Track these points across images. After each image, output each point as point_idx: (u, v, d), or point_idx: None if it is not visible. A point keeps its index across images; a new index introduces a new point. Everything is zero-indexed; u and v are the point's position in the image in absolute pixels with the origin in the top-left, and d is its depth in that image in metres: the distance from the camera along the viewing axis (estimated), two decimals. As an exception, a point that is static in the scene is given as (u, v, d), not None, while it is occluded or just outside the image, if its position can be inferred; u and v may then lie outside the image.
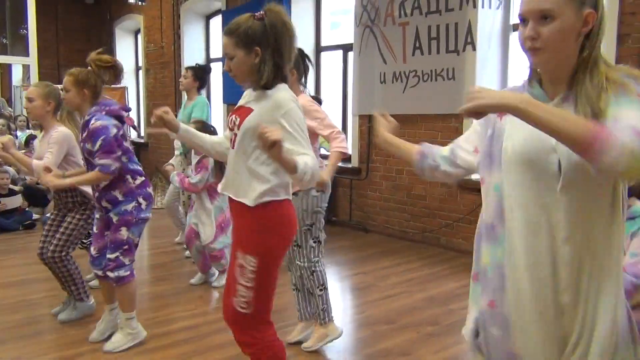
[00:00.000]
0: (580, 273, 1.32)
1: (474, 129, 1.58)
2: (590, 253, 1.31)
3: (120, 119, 3.05)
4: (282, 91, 2.04)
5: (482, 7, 4.88)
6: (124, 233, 3.01)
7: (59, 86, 3.34)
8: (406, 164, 6.20)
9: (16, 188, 6.66)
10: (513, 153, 1.36)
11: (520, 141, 1.35)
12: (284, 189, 2.10)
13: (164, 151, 9.44)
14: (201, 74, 5.13)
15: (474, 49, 4.94)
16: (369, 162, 6.19)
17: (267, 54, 2.01)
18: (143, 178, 3.13)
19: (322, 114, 3.03)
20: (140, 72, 10.90)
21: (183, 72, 5.21)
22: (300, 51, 2.97)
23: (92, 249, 3.19)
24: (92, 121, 2.92)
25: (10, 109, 9.27)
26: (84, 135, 2.98)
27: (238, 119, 2.07)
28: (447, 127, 5.36)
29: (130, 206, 3.01)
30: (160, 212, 6.11)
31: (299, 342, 3.17)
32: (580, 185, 1.29)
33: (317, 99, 5.12)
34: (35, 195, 6.88)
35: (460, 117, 5.20)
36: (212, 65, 9.22)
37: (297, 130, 1.99)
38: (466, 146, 1.61)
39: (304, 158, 1.92)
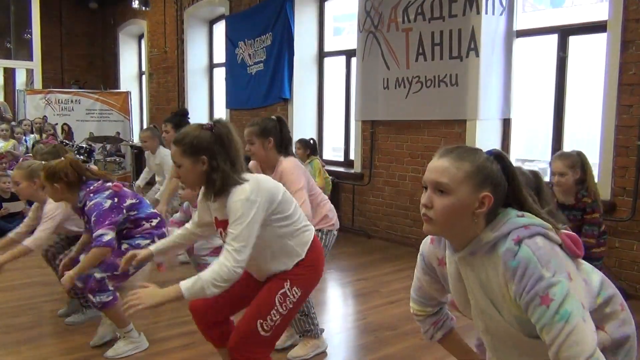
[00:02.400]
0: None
1: (419, 280, 1.79)
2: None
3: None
4: (235, 195, 2.06)
5: (486, 13, 4.89)
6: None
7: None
8: (409, 169, 6.15)
9: (19, 192, 6.66)
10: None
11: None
12: (308, 231, 2.29)
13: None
14: (178, 120, 4.94)
15: (477, 55, 4.94)
16: (372, 168, 6.18)
17: (216, 162, 2.08)
18: (159, 219, 3.19)
19: (296, 184, 2.90)
20: (144, 76, 10.93)
21: (163, 126, 5.00)
22: (280, 120, 3.03)
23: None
24: (87, 205, 2.95)
25: (10, 115, 9.28)
26: (86, 217, 3.01)
27: (225, 233, 2.14)
28: (450, 133, 5.35)
29: (144, 242, 3.05)
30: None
31: (285, 349, 3.15)
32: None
33: (309, 144, 4.99)
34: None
35: (463, 124, 5.20)
36: (215, 70, 9.27)
37: (242, 226, 2.02)
38: (426, 293, 1.82)
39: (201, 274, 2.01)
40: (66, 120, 9.46)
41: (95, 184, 3.03)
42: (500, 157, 1.41)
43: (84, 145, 8.57)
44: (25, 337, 3.38)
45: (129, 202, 3.08)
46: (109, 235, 2.87)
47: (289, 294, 2.18)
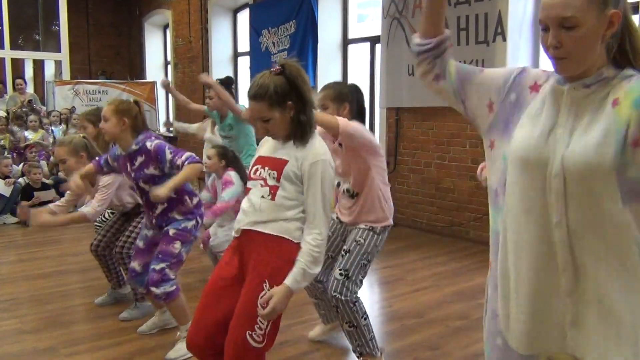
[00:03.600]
0: (576, 259, 1.27)
1: (495, 77, 1.48)
2: (588, 242, 1.26)
3: None
4: (316, 142, 2.04)
5: (513, -4, 4.80)
6: (177, 247, 2.95)
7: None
8: (434, 156, 6.10)
9: (48, 182, 6.81)
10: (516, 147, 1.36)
11: (525, 140, 1.34)
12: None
13: (192, 145, 9.53)
14: (224, 88, 4.69)
15: (504, 39, 4.85)
16: (397, 155, 6.15)
17: (301, 104, 2.00)
18: (198, 198, 3.12)
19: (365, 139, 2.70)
20: (169, 66, 11.02)
21: (207, 92, 4.74)
22: (356, 87, 2.89)
23: (135, 264, 3.14)
24: (148, 143, 2.89)
25: (43, 107, 9.46)
26: (141, 161, 2.91)
27: (275, 173, 2.02)
28: (476, 119, 5.28)
29: (190, 224, 3.00)
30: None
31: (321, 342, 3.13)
32: (579, 184, 1.25)
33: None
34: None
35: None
36: (239, 59, 9.29)
37: (320, 186, 1.98)
38: (478, 79, 1.51)
39: (300, 257, 1.96)
40: (94, 110, 9.62)
41: (157, 135, 3.03)
42: None
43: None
44: (58, 322, 3.46)
45: None
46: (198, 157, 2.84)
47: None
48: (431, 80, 1.58)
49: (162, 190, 2.66)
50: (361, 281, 2.72)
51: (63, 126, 8.54)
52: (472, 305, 3.71)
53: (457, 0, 5.21)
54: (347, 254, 2.69)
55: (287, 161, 2.01)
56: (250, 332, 1.96)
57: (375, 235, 2.76)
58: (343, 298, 2.62)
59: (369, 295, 4.06)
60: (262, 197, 2.03)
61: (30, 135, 7.94)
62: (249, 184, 2.12)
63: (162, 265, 2.91)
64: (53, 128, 8.42)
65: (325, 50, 7.07)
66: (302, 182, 2.01)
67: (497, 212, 1.43)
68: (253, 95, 1.99)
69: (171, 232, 2.97)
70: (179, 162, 2.80)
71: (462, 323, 3.44)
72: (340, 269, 2.65)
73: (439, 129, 5.67)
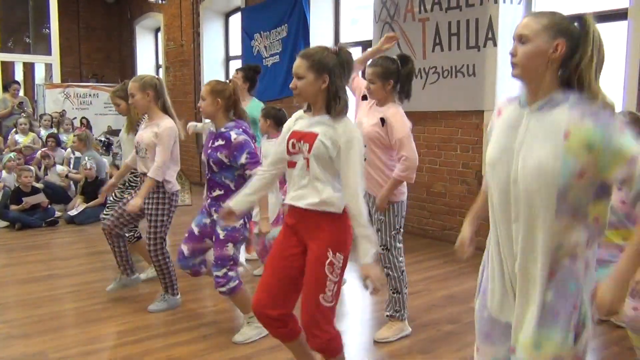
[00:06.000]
0: (527, 252, 1.60)
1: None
2: (534, 238, 1.58)
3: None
4: (348, 121, 2.26)
5: (503, 2, 4.83)
6: (230, 249, 3.09)
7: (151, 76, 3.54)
8: (425, 161, 6.13)
9: (38, 185, 6.76)
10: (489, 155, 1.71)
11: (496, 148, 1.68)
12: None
13: (191, 150, 9.51)
14: (251, 74, 4.84)
15: (495, 44, 4.89)
16: (388, 159, 6.15)
17: (336, 84, 2.22)
18: None
19: (401, 132, 3.08)
20: (161, 70, 11.00)
21: (235, 73, 4.85)
22: (407, 57, 3.21)
23: (185, 247, 3.25)
24: (233, 134, 3.04)
25: (30, 108, 9.40)
26: (218, 144, 3.06)
27: (307, 145, 2.24)
28: (467, 123, 5.31)
29: (239, 223, 3.06)
30: (181, 209, 6.14)
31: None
32: (529, 185, 1.57)
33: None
34: (57, 192, 6.98)
35: (481, 114, 5.15)
36: (231, 63, 9.29)
37: (354, 162, 2.21)
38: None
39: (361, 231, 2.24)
40: (85, 114, 9.56)
41: (247, 129, 3.14)
42: (581, 18, 1.60)
43: (103, 139, 8.65)
44: (47, 327, 3.43)
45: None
46: None
47: (334, 261, 2.30)
48: None
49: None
50: (399, 247, 3.20)
51: (54, 129, 8.49)
52: (463, 309, 3.71)
53: (448, 5, 5.24)
54: (379, 232, 3.12)
55: (316, 134, 2.23)
56: (322, 295, 2.28)
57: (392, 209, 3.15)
58: (390, 265, 3.17)
59: (362, 299, 4.06)
60: (291, 169, 2.32)
61: (20, 139, 7.89)
62: (288, 158, 2.34)
63: (224, 270, 3.09)
64: (42, 131, 8.34)
65: (317, 54, 7.07)
66: (336, 155, 2.22)
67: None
68: (302, 53, 2.26)
69: (221, 235, 3.09)
70: (248, 172, 3.00)
71: (454, 327, 3.44)
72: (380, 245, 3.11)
73: (430, 133, 5.69)
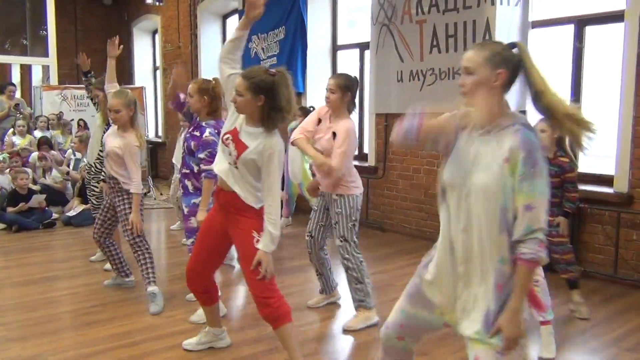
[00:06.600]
0: (470, 260, 1.79)
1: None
2: (479, 246, 1.77)
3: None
4: (274, 136, 2.58)
5: (501, 4, 4.83)
6: (193, 222, 3.48)
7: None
8: (423, 162, 6.11)
9: (35, 188, 6.75)
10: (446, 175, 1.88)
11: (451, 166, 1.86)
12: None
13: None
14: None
15: (492, 46, 4.88)
16: (386, 161, 6.17)
17: (272, 104, 2.50)
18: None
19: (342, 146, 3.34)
20: (158, 72, 10.99)
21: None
22: (357, 80, 3.45)
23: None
24: (207, 132, 3.40)
25: (30, 109, 9.38)
26: (194, 134, 3.49)
27: (236, 152, 2.58)
28: (464, 125, 5.31)
29: (198, 200, 3.44)
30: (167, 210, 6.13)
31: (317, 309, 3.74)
32: (474, 204, 1.76)
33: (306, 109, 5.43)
34: (54, 194, 6.96)
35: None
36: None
37: (274, 170, 2.55)
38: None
39: (269, 227, 2.57)
40: (82, 115, 9.52)
41: (218, 127, 3.37)
42: (518, 46, 1.81)
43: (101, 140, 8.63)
44: (44, 330, 3.43)
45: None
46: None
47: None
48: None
49: (198, 217, 3.33)
50: (355, 241, 3.41)
51: (52, 132, 8.46)
52: (461, 310, 3.71)
53: (445, 7, 5.25)
54: (337, 224, 3.38)
55: (247, 146, 2.55)
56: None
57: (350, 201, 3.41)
58: (348, 256, 3.39)
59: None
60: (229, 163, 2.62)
61: (18, 141, 7.87)
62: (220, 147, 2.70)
63: (191, 240, 3.42)
64: (37, 132, 8.31)
65: (315, 56, 7.09)
66: (261, 164, 2.55)
67: (442, 207, 1.93)
68: (243, 74, 2.53)
69: (185, 210, 3.54)
70: (202, 167, 3.37)
71: (451, 329, 3.43)
72: (338, 237, 3.39)
73: (428, 135, 5.69)
